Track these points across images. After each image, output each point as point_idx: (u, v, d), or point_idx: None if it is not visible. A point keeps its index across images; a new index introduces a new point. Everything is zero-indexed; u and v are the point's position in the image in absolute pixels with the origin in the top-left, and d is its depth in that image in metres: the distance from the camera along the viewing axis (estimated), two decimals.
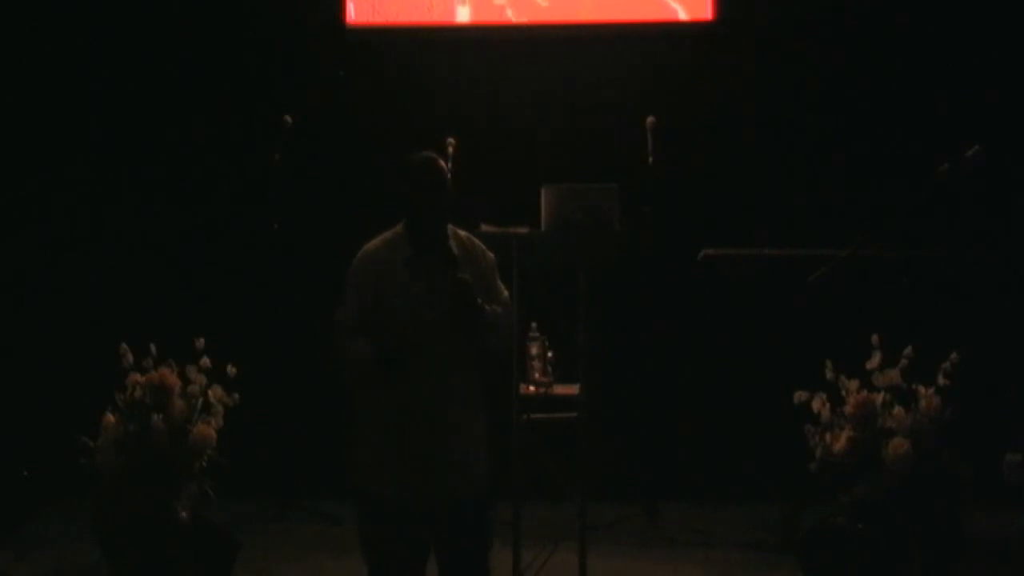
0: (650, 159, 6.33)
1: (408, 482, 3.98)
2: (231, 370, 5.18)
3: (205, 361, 5.17)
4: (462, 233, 4.20)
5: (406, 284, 4.03)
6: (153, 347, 5.15)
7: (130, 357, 5.15)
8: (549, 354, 5.71)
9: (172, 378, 5.12)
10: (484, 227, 6.30)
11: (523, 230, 6.07)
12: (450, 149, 6.47)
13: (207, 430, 5.09)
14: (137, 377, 5.13)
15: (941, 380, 4.91)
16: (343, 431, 6.86)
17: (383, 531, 4.02)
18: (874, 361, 4.96)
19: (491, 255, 4.21)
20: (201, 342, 5.18)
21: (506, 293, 4.23)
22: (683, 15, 7.13)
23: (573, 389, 5.60)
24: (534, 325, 5.68)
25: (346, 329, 4.12)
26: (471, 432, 4.06)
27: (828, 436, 4.97)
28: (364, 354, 4.02)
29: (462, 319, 3.95)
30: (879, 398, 4.93)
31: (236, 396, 5.19)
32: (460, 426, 4.02)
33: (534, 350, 5.69)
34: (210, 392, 5.16)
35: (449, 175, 4.21)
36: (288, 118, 6.59)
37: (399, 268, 4.05)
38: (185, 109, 7.18)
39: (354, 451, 4.12)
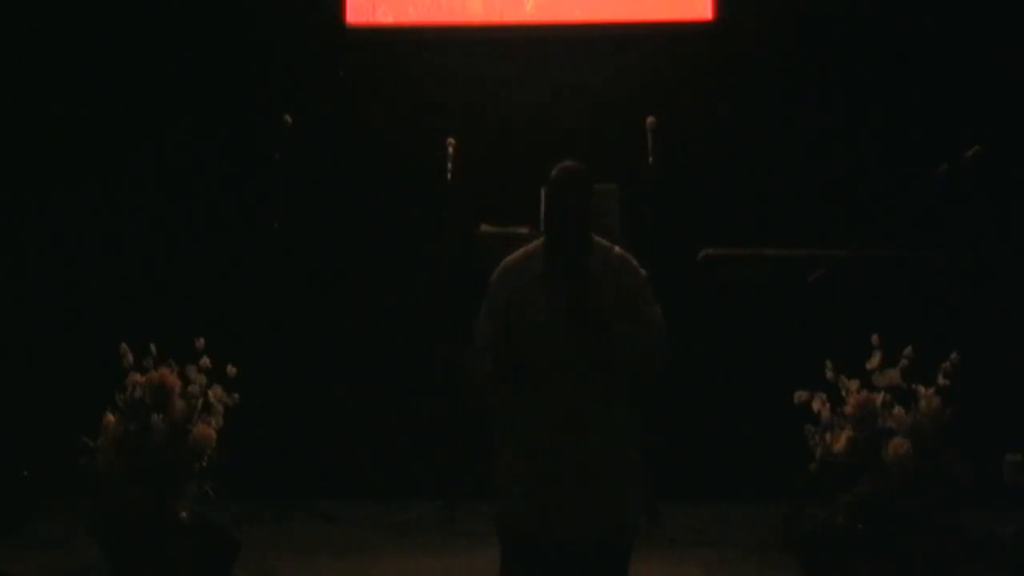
0: (650, 159, 6.33)
1: (546, 518, 3.80)
2: (231, 370, 5.19)
3: (205, 361, 5.18)
4: (616, 250, 3.96)
5: (536, 300, 3.81)
6: (153, 347, 5.15)
7: (130, 357, 5.16)
8: None
9: (172, 378, 5.12)
10: (484, 227, 6.34)
11: (523, 230, 6.08)
12: (450, 149, 6.48)
13: (207, 430, 5.09)
14: (137, 377, 5.13)
15: (941, 380, 4.92)
16: (357, 432, 6.91)
17: (522, 566, 3.87)
18: (874, 361, 4.96)
19: (643, 274, 3.96)
20: (201, 342, 5.18)
21: (658, 315, 3.93)
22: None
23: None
24: None
25: (476, 344, 3.91)
26: (615, 463, 3.87)
27: (828, 436, 4.98)
28: (482, 367, 3.83)
29: (587, 339, 3.75)
30: (879, 398, 4.93)
31: (236, 396, 5.20)
32: (601, 457, 3.83)
33: None
34: (210, 392, 5.16)
35: (591, 187, 3.94)
36: (288, 118, 6.59)
37: (532, 283, 3.84)
38: (185, 109, 7.18)
39: (496, 480, 3.94)
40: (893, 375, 4.93)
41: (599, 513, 3.84)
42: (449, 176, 6.45)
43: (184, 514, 5.04)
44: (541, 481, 3.81)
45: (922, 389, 4.93)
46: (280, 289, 6.62)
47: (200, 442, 5.07)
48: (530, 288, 3.85)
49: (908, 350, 4.95)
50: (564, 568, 3.85)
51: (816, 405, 5.01)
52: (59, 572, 5.56)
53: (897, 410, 4.90)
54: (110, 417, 5.10)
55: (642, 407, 4.04)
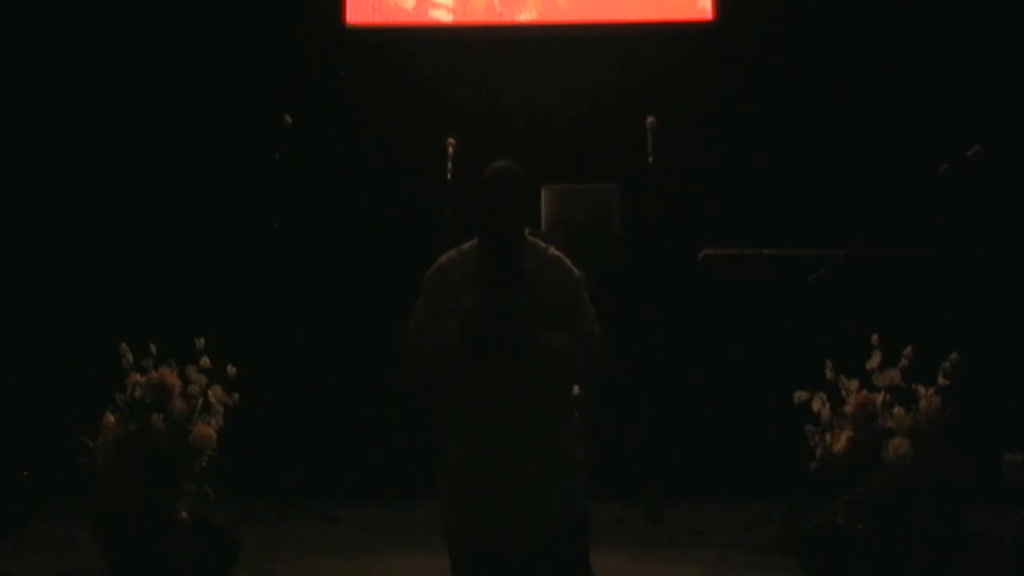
0: (650, 159, 6.33)
1: (484, 527, 3.77)
2: (231, 370, 5.19)
3: (205, 361, 5.18)
4: (551, 250, 3.93)
5: (468, 302, 3.76)
6: (153, 347, 5.15)
7: (130, 357, 5.15)
8: None
9: (172, 378, 5.12)
10: None
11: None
12: (450, 149, 6.48)
13: (207, 430, 5.09)
14: (137, 377, 5.13)
15: (941, 380, 4.91)
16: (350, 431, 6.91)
17: (467, 573, 3.84)
18: (874, 361, 4.95)
19: (576, 275, 3.91)
20: (201, 342, 5.18)
21: (592, 319, 3.89)
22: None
23: (574, 389, 5.59)
24: None
25: (413, 334, 3.86)
26: (557, 470, 3.80)
27: (828, 436, 4.97)
28: (443, 338, 3.73)
29: (512, 346, 3.70)
30: (879, 398, 4.93)
31: (236, 396, 5.19)
32: (537, 460, 3.76)
33: None
34: (210, 392, 5.16)
35: (524, 187, 3.91)
36: (288, 118, 6.59)
37: (466, 283, 3.79)
38: (185, 109, 7.18)
39: (440, 485, 3.93)
40: (893, 375, 4.93)
41: (538, 519, 3.78)
42: (449, 176, 6.45)
43: (184, 514, 5.04)
44: (479, 490, 3.78)
45: (922, 389, 4.93)
46: (280, 289, 6.62)
47: (200, 442, 5.07)
48: (462, 289, 3.80)
49: (908, 350, 4.95)
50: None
51: (816, 405, 5.01)
52: (59, 572, 5.56)
53: (897, 410, 4.90)
54: (110, 417, 5.10)
55: (587, 405, 4.01)
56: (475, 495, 3.80)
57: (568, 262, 3.96)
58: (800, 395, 5.03)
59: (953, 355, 4.90)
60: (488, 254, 3.84)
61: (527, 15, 7.24)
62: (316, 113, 7.03)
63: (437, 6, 7.27)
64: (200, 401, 5.14)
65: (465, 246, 3.95)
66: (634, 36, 7.16)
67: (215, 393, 5.16)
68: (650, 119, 6.39)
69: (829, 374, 5.01)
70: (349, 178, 7.17)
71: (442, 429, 3.91)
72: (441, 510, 3.94)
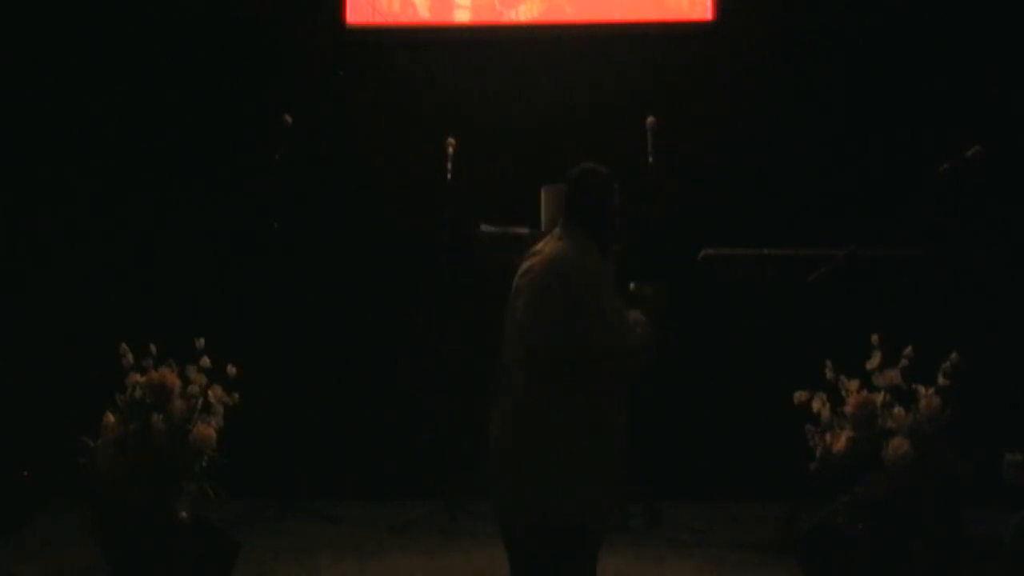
0: (650, 159, 6.33)
1: (510, 502, 3.91)
2: (231, 370, 5.19)
3: (205, 361, 5.18)
4: None
5: (613, 296, 3.90)
6: (153, 347, 5.15)
7: (130, 357, 5.16)
8: None
9: (172, 378, 5.12)
10: (484, 227, 6.34)
11: (523, 230, 6.09)
12: (450, 149, 6.48)
13: (207, 430, 5.09)
14: (137, 377, 5.13)
15: (941, 380, 4.91)
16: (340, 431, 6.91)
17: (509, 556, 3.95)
18: (874, 361, 4.95)
19: None
20: (201, 342, 5.18)
21: None
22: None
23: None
24: None
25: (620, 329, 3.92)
26: (618, 455, 4.00)
27: (828, 436, 4.97)
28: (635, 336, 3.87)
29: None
30: (879, 398, 4.93)
31: (236, 396, 5.20)
32: (598, 451, 3.94)
33: None
34: (210, 392, 5.16)
35: None
36: (288, 118, 6.59)
37: (606, 283, 3.88)
38: (185, 109, 7.18)
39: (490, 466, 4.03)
40: (893, 375, 4.93)
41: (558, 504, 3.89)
42: (449, 176, 6.45)
43: (184, 514, 5.04)
44: (534, 471, 3.86)
45: (922, 389, 4.93)
46: (280, 289, 6.62)
47: (200, 442, 5.07)
48: (608, 292, 3.87)
49: (908, 350, 4.95)
50: (529, 554, 3.89)
51: (816, 405, 5.01)
52: (59, 572, 5.57)
53: (897, 410, 4.90)
54: (110, 417, 5.10)
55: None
56: (527, 476, 3.86)
57: None
58: (800, 395, 5.03)
59: (953, 355, 4.91)
60: (609, 251, 3.92)
61: (527, 15, 7.24)
62: (316, 113, 7.03)
63: (438, 6, 7.26)
64: (200, 401, 5.14)
65: (558, 245, 3.91)
66: (634, 36, 7.16)
67: (215, 393, 5.17)
68: (650, 119, 6.38)
69: (829, 374, 5.01)
70: (349, 178, 7.17)
71: (512, 412, 3.92)
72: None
